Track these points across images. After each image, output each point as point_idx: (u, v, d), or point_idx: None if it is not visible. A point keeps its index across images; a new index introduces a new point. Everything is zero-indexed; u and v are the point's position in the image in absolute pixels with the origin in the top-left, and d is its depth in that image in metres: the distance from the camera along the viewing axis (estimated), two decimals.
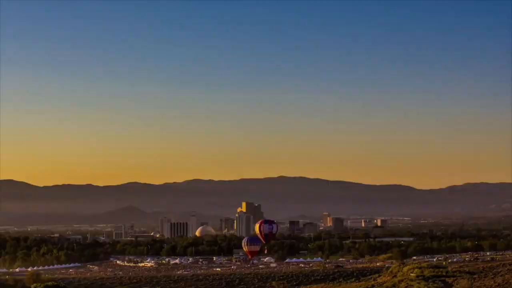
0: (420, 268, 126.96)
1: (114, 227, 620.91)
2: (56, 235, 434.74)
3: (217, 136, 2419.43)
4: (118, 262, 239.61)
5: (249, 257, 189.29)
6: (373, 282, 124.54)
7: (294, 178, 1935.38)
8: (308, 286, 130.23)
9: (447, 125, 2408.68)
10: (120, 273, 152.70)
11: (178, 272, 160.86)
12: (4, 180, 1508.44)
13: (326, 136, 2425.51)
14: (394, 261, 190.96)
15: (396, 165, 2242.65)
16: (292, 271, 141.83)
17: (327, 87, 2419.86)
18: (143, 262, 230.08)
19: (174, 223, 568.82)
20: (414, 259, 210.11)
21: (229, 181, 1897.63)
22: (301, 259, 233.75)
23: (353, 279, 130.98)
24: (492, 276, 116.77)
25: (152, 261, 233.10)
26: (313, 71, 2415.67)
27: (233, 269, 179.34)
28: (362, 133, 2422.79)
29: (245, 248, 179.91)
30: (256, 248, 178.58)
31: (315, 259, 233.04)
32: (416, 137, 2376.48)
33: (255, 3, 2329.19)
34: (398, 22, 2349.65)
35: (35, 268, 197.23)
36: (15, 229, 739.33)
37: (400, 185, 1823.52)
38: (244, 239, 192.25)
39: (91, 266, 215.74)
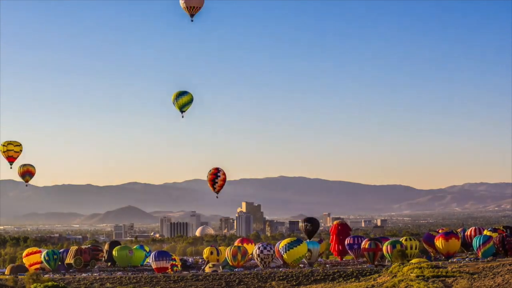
0: (420, 268, 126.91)
1: (114, 227, 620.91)
2: (56, 235, 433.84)
3: (216, 136, 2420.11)
4: None
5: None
6: (373, 282, 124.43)
7: (294, 178, 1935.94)
8: (308, 286, 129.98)
9: (447, 125, 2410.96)
10: (120, 273, 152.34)
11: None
12: (4, 180, 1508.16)
13: (326, 136, 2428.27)
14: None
15: (396, 165, 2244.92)
16: (292, 271, 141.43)
17: (327, 87, 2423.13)
18: None
19: (174, 223, 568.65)
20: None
21: (229, 181, 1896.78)
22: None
23: (353, 279, 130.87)
24: (492, 276, 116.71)
25: None
26: (313, 71, 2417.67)
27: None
28: (362, 133, 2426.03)
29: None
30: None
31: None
32: (416, 137, 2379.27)
33: (256, 3, 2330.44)
34: (398, 23, 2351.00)
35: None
36: (15, 229, 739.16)
37: (400, 185, 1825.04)
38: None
39: None
